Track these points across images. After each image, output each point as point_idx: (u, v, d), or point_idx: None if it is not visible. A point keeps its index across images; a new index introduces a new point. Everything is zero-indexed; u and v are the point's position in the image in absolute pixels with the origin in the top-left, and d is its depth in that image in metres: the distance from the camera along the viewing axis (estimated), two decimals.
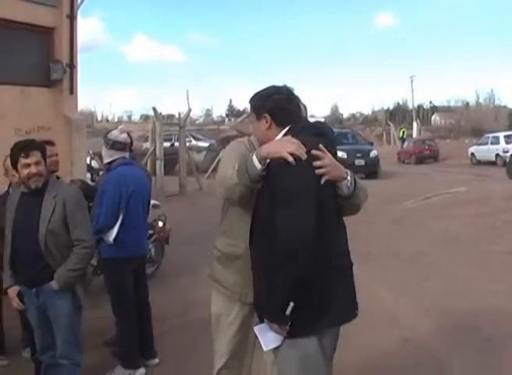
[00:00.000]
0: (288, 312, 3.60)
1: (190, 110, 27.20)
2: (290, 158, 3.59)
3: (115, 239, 6.54)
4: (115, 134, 6.72)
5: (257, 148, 4.12)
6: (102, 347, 7.37)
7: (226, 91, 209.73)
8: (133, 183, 6.67)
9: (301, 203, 3.57)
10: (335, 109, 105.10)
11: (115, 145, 6.69)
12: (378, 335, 7.44)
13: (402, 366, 6.61)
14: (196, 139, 36.73)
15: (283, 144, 3.69)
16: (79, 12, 12.47)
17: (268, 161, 3.74)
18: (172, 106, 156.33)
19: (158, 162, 22.88)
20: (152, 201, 10.52)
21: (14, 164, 5.30)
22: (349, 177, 3.86)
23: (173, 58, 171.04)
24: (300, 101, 4.15)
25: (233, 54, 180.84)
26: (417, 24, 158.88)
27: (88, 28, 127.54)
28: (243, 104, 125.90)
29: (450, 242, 12.82)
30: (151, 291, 7.77)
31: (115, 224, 6.54)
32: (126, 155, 6.81)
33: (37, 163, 5.24)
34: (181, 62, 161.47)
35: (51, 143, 7.11)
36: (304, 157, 3.61)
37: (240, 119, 29.44)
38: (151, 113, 25.84)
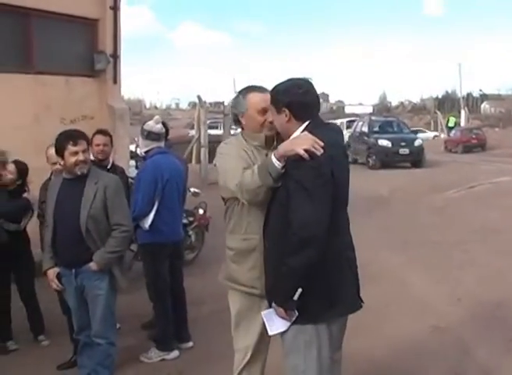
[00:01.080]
0: (296, 297, 3.78)
1: None
2: (305, 155, 3.72)
3: (150, 225, 6.75)
4: (150, 125, 6.90)
5: (250, 142, 4.38)
6: (139, 330, 7.63)
7: (274, 79, 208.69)
8: (168, 171, 6.86)
9: (317, 196, 3.73)
10: (383, 97, 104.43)
11: (150, 135, 6.89)
12: (409, 323, 7.50)
13: (430, 354, 6.64)
14: None
15: (299, 142, 3.82)
16: (125, 2, 12.70)
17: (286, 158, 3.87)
18: (220, 93, 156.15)
19: (202, 150, 22.99)
20: (192, 189, 10.76)
21: (60, 151, 5.52)
22: None
23: (221, 46, 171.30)
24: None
25: (281, 41, 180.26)
26: (466, 11, 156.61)
27: (136, 16, 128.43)
28: None
29: (489, 232, 12.69)
30: (190, 276, 7.97)
31: (150, 211, 6.75)
32: (162, 144, 7.00)
33: (84, 151, 5.51)
34: (229, 49, 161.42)
35: (104, 132, 7.42)
36: (320, 152, 3.74)
37: None
38: None
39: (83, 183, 5.56)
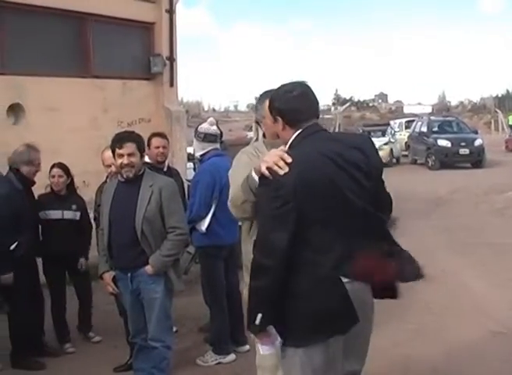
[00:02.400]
0: (257, 322, 3.52)
1: None
2: (266, 173, 3.52)
3: (207, 228, 6.72)
4: (205, 127, 6.85)
5: (262, 153, 4.17)
6: (197, 332, 7.62)
7: (332, 79, 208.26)
8: (225, 173, 6.77)
9: (270, 220, 3.54)
10: (442, 97, 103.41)
11: (206, 138, 6.83)
12: (469, 327, 7.32)
13: (490, 360, 6.43)
14: None
15: (266, 158, 3.62)
16: (181, 4, 12.79)
17: None
18: None
19: None
20: None
21: (113, 153, 5.60)
22: None
23: (278, 46, 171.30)
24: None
25: (336, 39, 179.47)
26: None
27: (193, 18, 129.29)
28: (349, 92, 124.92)
29: None
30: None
31: (207, 214, 6.72)
32: (218, 146, 6.96)
33: (130, 155, 5.48)
34: (286, 48, 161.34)
35: (162, 135, 7.45)
36: (283, 171, 3.49)
37: (343, 108, 29.28)
38: None
39: (138, 185, 5.58)
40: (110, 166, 6.41)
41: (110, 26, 11.75)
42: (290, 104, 3.73)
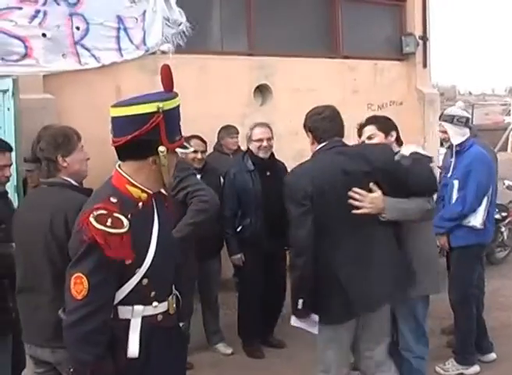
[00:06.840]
0: (299, 306, 4.30)
1: None
2: None
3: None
4: (458, 111, 6.33)
5: None
6: (439, 334, 7.08)
7: None
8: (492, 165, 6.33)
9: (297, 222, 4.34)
10: None
11: (468, 122, 6.34)
12: None
13: None
14: None
15: None
16: None
17: None
18: None
19: None
20: (507, 182, 10.04)
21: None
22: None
23: None
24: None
25: None
26: None
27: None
28: None
29: None
30: (501, 277, 7.33)
31: (477, 208, 6.14)
32: None
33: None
34: None
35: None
36: None
37: None
38: None
39: None
40: None
41: (360, 4, 11.46)
42: (317, 123, 4.58)
